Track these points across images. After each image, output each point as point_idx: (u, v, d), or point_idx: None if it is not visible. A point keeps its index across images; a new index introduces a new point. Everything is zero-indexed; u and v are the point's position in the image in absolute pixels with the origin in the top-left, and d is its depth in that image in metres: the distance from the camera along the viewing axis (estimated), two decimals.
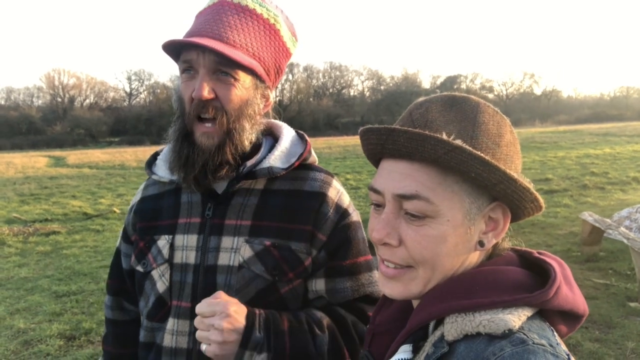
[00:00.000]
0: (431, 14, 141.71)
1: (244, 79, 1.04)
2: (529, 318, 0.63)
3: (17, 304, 4.94)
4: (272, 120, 1.19)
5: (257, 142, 1.12)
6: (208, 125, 1.03)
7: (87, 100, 58.57)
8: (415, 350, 0.68)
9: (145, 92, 61.59)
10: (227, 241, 1.06)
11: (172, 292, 1.08)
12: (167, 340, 1.07)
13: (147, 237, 1.14)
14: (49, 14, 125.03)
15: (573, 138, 20.48)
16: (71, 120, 50.43)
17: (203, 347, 0.94)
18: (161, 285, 1.09)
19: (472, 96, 0.72)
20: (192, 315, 1.05)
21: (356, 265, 1.11)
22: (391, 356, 0.70)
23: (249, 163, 1.09)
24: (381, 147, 0.70)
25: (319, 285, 1.09)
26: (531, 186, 0.68)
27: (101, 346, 1.33)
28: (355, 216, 1.15)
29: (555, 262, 0.70)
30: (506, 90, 65.24)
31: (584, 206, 8.54)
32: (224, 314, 0.92)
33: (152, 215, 1.16)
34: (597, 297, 4.56)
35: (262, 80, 1.08)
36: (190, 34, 1.03)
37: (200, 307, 0.93)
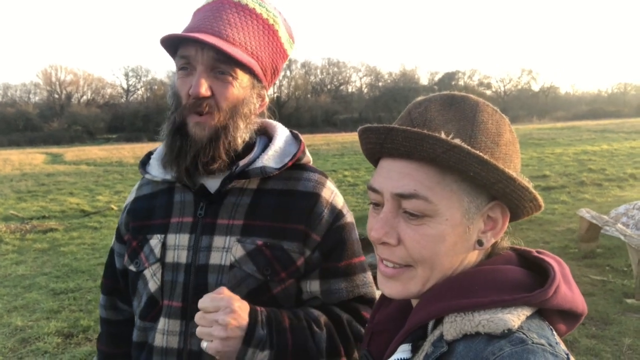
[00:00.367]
0: (429, 11, 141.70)
1: (242, 77, 1.03)
2: (528, 317, 0.63)
3: (14, 302, 4.93)
4: (267, 120, 1.19)
5: (250, 141, 1.11)
6: (200, 115, 1.02)
7: (85, 97, 58.45)
8: (415, 350, 0.68)
9: (143, 89, 61.49)
10: (218, 240, 1.06)
11: (163, 292, 1.07)
12: (158, 340, 1.07)
13: (139, 236, 1.14)
14: (46, 10, 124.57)
15: (570, 135, 20.52)
16: (68, 116, 50.29)
17: (204, 344, 0.92)
18: (153, 285, 1.08)
19: (471, 95, 0.72)
20: (183, 314, 1.05)
21: (351, 267, 1.11)
22: (390, 355, 0.70)
23: (242, 162, 1.08)
24: (380, 146, 0.70)
25: (313, 286, 1.09)
26: (530, 185, 0.68)
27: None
28: (349, 217, 1.14)
29: (554, 261, 0.70)
30: (504, 86, 65.33)
31: (582, 203, 8.56)
32: (229, 309, 0.91)
33: (145, 215, 1.16)
34: (594, 294, 4.58)
35: (259, 80, 1.08)
36: (188, 29, 1.02)
37: (203, 303, 0.92)
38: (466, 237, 0.68)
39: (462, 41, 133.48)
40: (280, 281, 1.05)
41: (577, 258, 5.63)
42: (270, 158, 1.10)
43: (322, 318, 1.05)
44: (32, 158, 20.11)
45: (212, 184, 1.09)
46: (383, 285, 0.73)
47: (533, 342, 0.58)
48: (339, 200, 1.14)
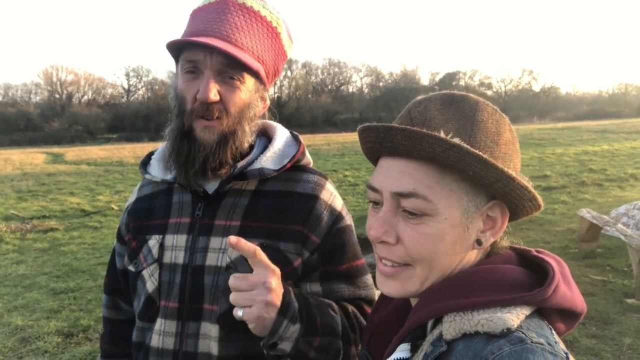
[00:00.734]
0: (430, 11, 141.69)
1: (248, 81, 1.03)
2: (527, 317, 0.62)
3: (14, 301, 4.93)
4: (267, 121, 1.18)
5: (251, 142, 1.11)
6: (209, 120, 1.02)
7: (85, 97, 58.48)
8: (414, 349, 0.68)
9: (144, 89, 61.45)
10: (215, 241, 1.05)
11: (160, 292, 1.07)
12: (155, 341, 1.07)
13: (139, 236, 1.14)
14: (46, 10, 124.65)
15: (571, 135, 20.50)
16: (69, 116, 50.30)
17: (240, 312, 0.87)
18: (150, 285, 1.08)
19: (471, 94, 0.72)
20: (179, 315, 1.05)
21: (352, 270, 1.11)
22: (389, 355, 0.70)
23: (240, 164, 1.08)
24: (379, 145, 0.70)
25: (314, 287, 1.09)
26: (530, 185, 0.68)
27: (99, 343, 1.34)
28: (349, 220, 1.14)
29: (553, 261, 0.70)
30: (505, 87, 65.29)
31: (582, 203, 8.56)
32: (271, 278, 0.88)
33: (145, 215, 1.16)
34: (595, 294, 4.58)
35: (262, 83, 1.08)
36: (194, 33, 1.00)
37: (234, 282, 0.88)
38: (465, 237, 0.68)
39: (463, 41, 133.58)
40: None
41: (577, 258, 5.63)
42: (269, 159, 1.09)
43: (334, 305, 1.06)
44: (33, 158, 20.12)
45: (210, 185, 1.09)
46: (382, 284, 0.73)
47: (532, 342, 0.58)
48: (338, 203, 1.13)
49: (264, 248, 1.03)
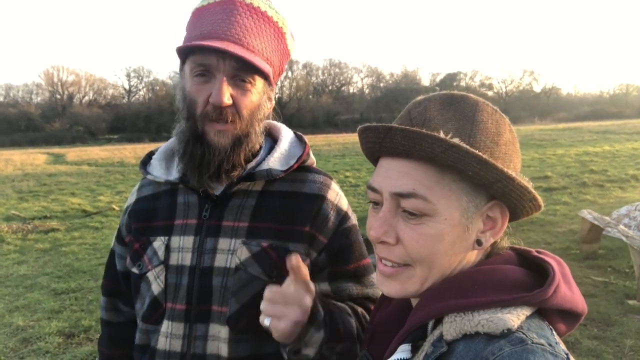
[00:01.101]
0: (431, 11, 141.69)
1: (259, 83, 1.03)
2: (527, 317, 0.62)
3: (16, 302, 4.94)
4: (271, 121, 1.18)
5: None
6: (222, 123, 1.01)
7: (86, 97, 58.49)
8: (414, 350, 0.68)
9: (145, 89, 61.45)
10: (224, 243, 1.05)
11: (167, 294, 1.07)
12: (162, 343, 1.06)
13: (142, 238, 1.13)
14: (47, 11, 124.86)
15: (572, 136, 20.48)
16: (70, 117, 50.34)
17: (267, 321, 0.87)
18: (156, 287, 1.08)
19: (471, 95, 0.71)
20: (187, 317, 1.04)
21: (359, 269, 1.11)
22: (390, 355, 0.70)
23: (250, 165, 1.08)
24: (379, 145, 0.70)
25: (323, 287, 1.09)
26: (530, 185, 0.67)
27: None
28: (354, 219, 1.14)
29: (554, 261, 0.69)
30: (505, 87, 65.24)
31: (583, 204, 8.55)
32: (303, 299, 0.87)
33: (148, 216, 1.14)
34: (596, 295, 4.57)
35: (270, 83, 1.08)
36: (204, 35, 0.99)
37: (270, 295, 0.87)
38: (465, 237, 0.68)
39: (463, 42, 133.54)
40: None
41: (578, 259, 5.62)
42: (276, 160, 1.09)
43: (348, 308, 1.06)
44: (34, 158, 20.15)
45: (217, 186, 1.09)
46: (382, 284, 0.73)
47: (532, 342, 0.58)
48: (344, 203, 1.14)
49: (273, 249, 1.03)
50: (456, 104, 0.69)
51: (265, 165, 1.08)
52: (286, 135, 1.17)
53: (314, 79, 63.25)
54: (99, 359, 1.27)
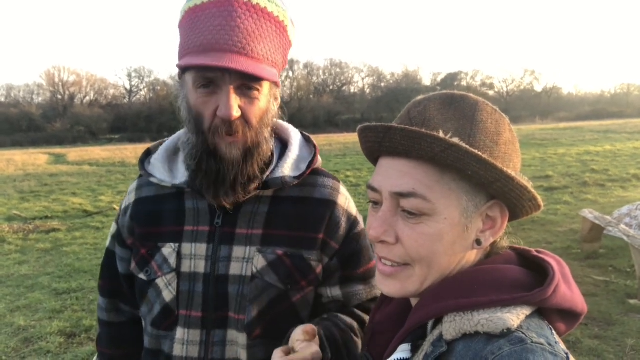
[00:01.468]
0: (432, 11, 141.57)
1: (265, 87, 1.00)
2: (527, 317, 0.62)
3: (17, 302, 4.94)
4: (277, 121, 1.15)
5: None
6: (232, 136, 0.98)
7: (87, 98, 58.62)
8: (414, 350, 0.68)
9: (146, 89, 61.52)
10: (238, 251, 1.04)
11: (179, 302, 1.05)
12: (178, 350, 1.05)
13: (149, 244, 1.09)
14: (49, 11, 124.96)
15: (573, 135, 20.46)
16: (71, 117, 50.42)
17: None
18: (168, 295, 1.06)
19: (471, 94, 0.71)
20: (203, 324, 1.04)
21: (368, 272, 1.13)
22: (390, 355, 0.70)
23: (264, 176, 1.06)
24: (379, 145, 0.70)
25: (334, 291, 1.10)
26: (529, 185, 0.67)
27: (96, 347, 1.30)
28: (362, 222, 1.15)
29: (553, 261, 0.69)
30: (507, 87, 65.19)
31: (584, 203, 8.54)
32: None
33: (153, 221, 1.10)
34: (597, 294, 4.57)
35: (275, 84, 1.05)
36: (204, 46, 0.93)
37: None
38: (465, 237, 0.68)
39: (464, 42, 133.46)
40: (300, 289, 1.05)
41: (579, 259, 5.61)
42: (289, 167, 1.08)
43: (355, 325, 1.06)
44: (35, 158, 20.17)
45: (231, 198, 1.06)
46: (381, 283, 0.73)
47: (532, 342, 0.58)
48: (353, 207, 1.14)
49: (288, 257, 1.03)
50: (456, 103, 0.69)
51: (278, 173, 1.06)
52: (295, 137, 1.14)
53: (315, 78, 63.31)
54: (100, 359, 1.26)
